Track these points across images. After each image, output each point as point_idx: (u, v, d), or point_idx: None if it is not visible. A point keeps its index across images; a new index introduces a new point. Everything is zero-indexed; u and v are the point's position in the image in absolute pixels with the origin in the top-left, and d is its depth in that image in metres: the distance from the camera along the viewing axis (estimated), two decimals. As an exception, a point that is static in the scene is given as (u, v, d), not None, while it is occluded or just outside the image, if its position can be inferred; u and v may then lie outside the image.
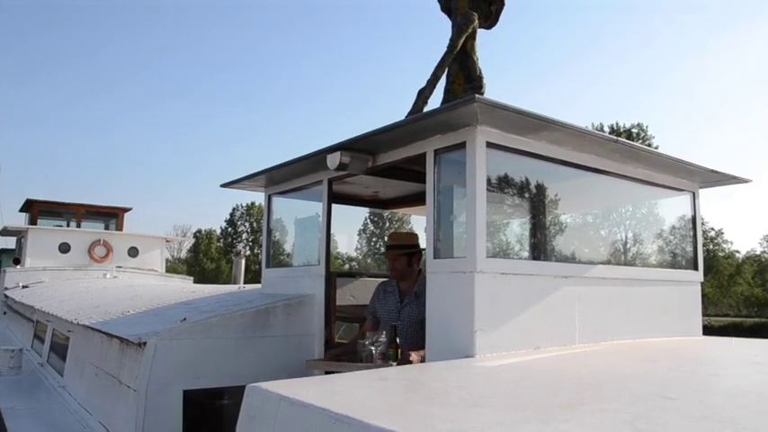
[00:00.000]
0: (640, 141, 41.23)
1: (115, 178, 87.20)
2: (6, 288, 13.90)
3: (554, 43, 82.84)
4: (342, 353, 4.43)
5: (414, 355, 3.82)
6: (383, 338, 3.99)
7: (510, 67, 78.05)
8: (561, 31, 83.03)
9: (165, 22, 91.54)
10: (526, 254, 4.78)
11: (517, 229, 4.96)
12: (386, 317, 4.50)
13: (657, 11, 74.91)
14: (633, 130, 41.94)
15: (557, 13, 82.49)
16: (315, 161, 4.63)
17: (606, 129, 42.08)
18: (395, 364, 3.86)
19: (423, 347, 3.91)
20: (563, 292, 4.00)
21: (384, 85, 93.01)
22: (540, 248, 4.61)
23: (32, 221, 16.59)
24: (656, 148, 40.38)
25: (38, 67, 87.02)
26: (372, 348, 3.95)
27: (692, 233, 5.43)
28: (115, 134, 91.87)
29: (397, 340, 4.29)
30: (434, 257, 3.82)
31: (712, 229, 43.49)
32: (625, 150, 4.33)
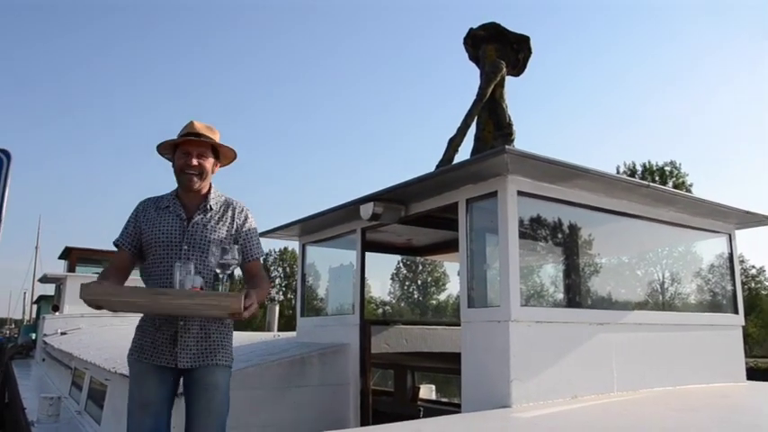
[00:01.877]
0: (673, 179, 40.63)
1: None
2: (45, 335, 14.14)
3: (584, 81, 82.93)
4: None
5: (255, 295, 2.77)
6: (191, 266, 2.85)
7: (542, 106, 78.23)
8: (591, 68, 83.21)
9: (205, 58, 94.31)
10: (561, 300, 4.75)
11: (551, 274, 4.95)
12: (164, 239, 2.98)
13: (694, 43, 74.71)
14: (666, 168, 41.41)
15: (587, 51, 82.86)
16: (348, 211, 4.71)
17: (639, 168, 41.61)
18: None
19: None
20: (599, 339, 3.96)
21: (416, 129, 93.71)
22: (575, 294, 4.58)
23: (71, 268, 16.99)
24: (690, 185, 39.96)
25: (75, 106, 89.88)
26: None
27: (730, 275, 5.34)
28: (148, 175, 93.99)
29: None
30: (468, 306, 3.83)
31: (753, 266, 42.38)
32: (657, 195, 4.32)
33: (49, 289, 19.16)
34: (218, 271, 2.87)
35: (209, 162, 3.07)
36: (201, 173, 3.04)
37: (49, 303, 17.68)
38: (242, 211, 3.16)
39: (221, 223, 3.07)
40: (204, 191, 3.12)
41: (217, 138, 3.11)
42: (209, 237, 3.00)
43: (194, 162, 3.01)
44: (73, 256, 17.17)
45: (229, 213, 3.12)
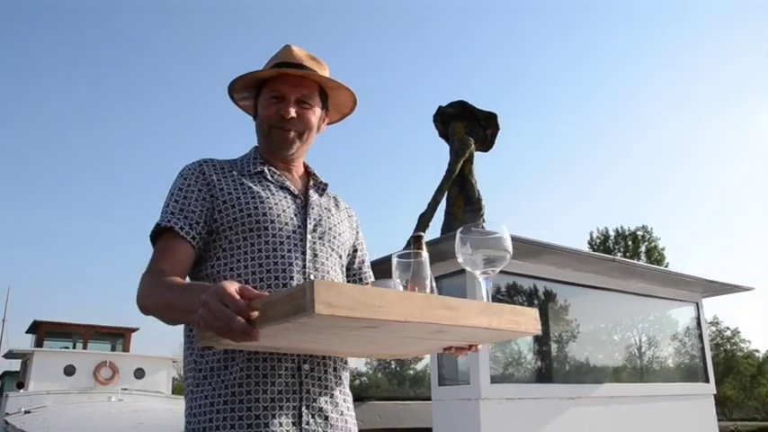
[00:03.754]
0: (646, 244, 41.31)
1: (121, 295, 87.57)
2: (7, 413, 13.64)
3: (551, 146, 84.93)
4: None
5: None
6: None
7: (511, 171, 79.65)
8: (559, 132, 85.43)
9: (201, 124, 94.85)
10: (533, 374, 4.75)
11: (522, 349, 4.96)
12: (275, 219, 1.63)
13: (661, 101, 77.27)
14: (638, 233, 42.07)
15: (551, 117, 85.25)
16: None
17: (611, 233, 42.31)
18: None
19: None
20: (571, 414, 3.97)
21: (386, 204, 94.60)
22: (546, 368, 4.60)
23: (39, 343, 16.51)
24: (663, 249, 40.60)
25: (48, 182, 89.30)
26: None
27: (699, 343, 5.41)
28: (118, 249, 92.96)
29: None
30: (439, 384, 3.82)
31: (728, 328, 42.65)
32: (623, 268, 4.43)
33: (15, 365, 18.58)
34: None
35: (314, 113, 1.75)
36: (303, 130, 1.74)
37: (14, 380, 17.10)
38: (350, 207, 1.94)
39: (341, 213, 1.85)
40: (300, 166, 1.84)
41: (326, 73, 1.78)
42: (337, 227, 1.77)
43: (292, 112, 1.70)
44: (41, 331, 16.70)
45: (342, 205, 1.90)
